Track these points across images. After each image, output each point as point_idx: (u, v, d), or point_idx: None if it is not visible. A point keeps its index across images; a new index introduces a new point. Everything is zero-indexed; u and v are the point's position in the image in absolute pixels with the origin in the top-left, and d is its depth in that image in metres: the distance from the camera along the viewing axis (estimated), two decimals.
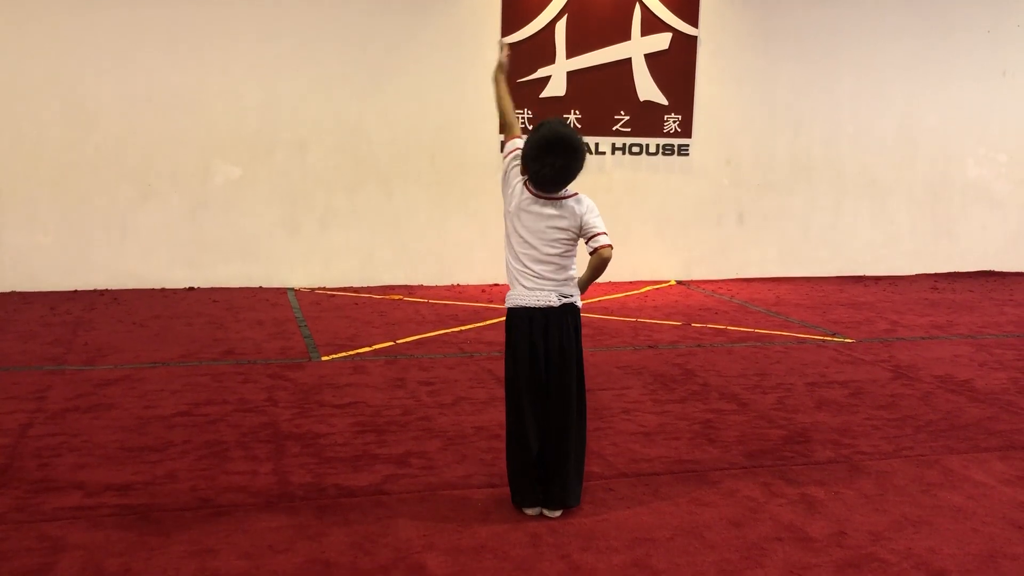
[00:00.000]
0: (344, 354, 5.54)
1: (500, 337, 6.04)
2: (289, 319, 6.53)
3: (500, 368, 5.22)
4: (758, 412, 4.54)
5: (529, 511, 3.26)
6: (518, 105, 8.08)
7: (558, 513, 3.24)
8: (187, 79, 7.43)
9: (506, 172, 3.39)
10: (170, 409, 4.35)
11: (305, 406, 4.47)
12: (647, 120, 8.39)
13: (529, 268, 3.27)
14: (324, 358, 5.43)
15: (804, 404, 4.69)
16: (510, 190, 3.34)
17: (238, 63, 7.51)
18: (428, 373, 5.15)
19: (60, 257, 7.28)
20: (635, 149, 8.44)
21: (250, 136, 7.61)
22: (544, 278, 3.26)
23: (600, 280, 8.36)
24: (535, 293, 3.26)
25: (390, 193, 8.02)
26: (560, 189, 3.26)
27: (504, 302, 3.35)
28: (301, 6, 7.58)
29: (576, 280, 3.35)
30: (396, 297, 7.49)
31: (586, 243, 3.29)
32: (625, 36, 8.22)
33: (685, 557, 2.96)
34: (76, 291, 7.22)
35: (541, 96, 8.12)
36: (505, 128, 3.53)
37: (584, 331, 6.22)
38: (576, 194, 3.32)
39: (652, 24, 8.25)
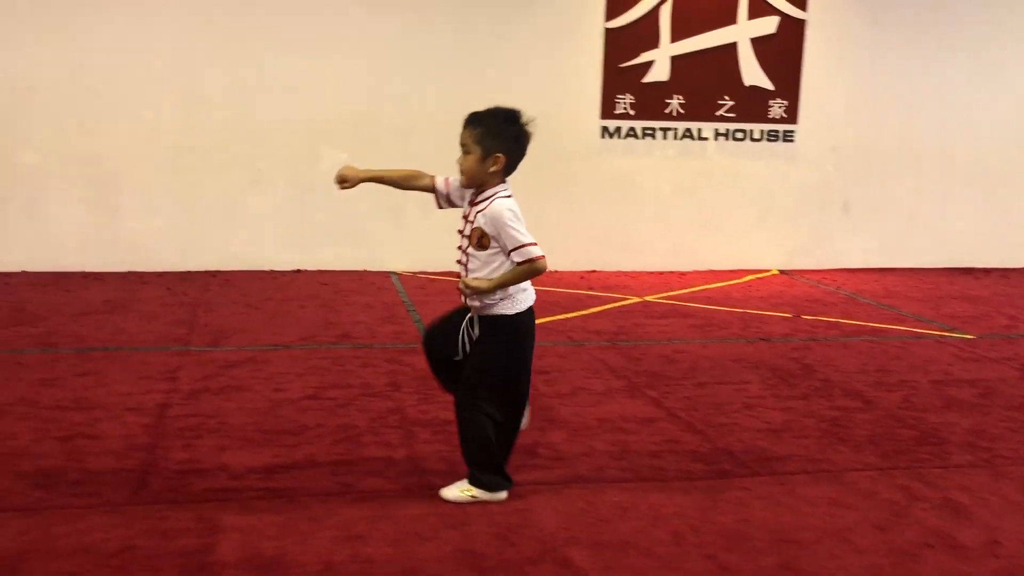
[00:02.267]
0: None
1: (608, 325, 6.06)
2: (397, 303, 6.61)
3: (613, 358, 5.23)
4: (885, 411, 4.43)
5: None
6: (620, 90, 8.01)
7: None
8: (296, 65, 7.55)
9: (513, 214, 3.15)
10: (298, 392, 4.45)
11: (427, 392, 4.52)
12: (752, 105, 8.23)
13: None
14: None
15: (932, 403, 4.57)
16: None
17: (345, 49, 7.60)
18: (541, 362, 5.15)
19: (174, 239, 7.50)
20: (738, 135, 8.29)
21: (356, 122, 7.71)
22: None
23: (700, 268, 8.35)
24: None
25: None
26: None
27: (516, 307, 3.24)
28: None
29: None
30: None
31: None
32: (731, 20, 8.06)
33: (834, 561, 2.92)
34: (189, 272, 7.43)
35: (643, 81, 8.02)
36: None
37: (692, 321, 6.24)
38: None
39: (759, 7, 8.07)
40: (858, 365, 5.23)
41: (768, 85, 8.21)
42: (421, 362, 5.01)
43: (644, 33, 7.93)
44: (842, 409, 4.44)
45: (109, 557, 2.78)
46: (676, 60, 8.03)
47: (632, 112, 8.05)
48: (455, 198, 3.34)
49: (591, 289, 7.35)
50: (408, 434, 3.93)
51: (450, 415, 4.16)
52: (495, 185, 3.19)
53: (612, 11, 7.86)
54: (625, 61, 7.94)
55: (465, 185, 3.25)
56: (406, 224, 7.94)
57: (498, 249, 3.16)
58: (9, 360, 4.83)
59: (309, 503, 3.22)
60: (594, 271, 8.15)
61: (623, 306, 6.73)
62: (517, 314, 3.24)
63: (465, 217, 3.26)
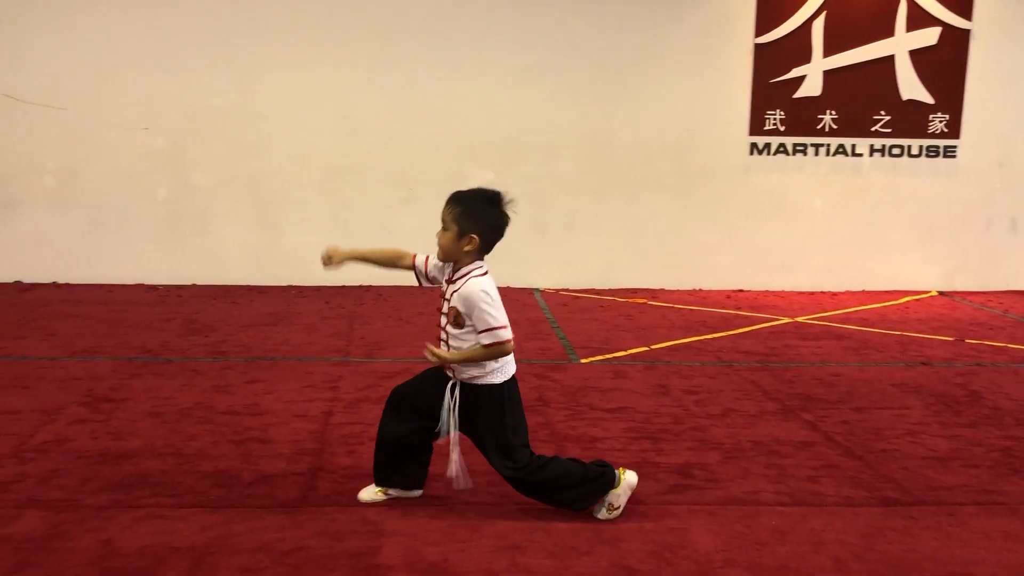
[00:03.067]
0: (602, 357, 5.61)
1: (759, 346, 5.94)
2: (541, 319, 6.69)
3: (765, 380, 5.13)
4: None
5: None
6: (770, 105, 7.87)
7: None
8: (444, 88, 7.79)
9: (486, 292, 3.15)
10: None
11: (575, 408, 4.56)
12: (910, 120, 7.91)
13: None
14: (583, 360, 5.53)
15: None
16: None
17: (492, 71, 7.79)
18: (690, 381, 5.12)
19: None
20: (895, 151, 7.98)
21: (502, 142, 7.88)
22: None
23: (853, 288, 8.06)
24: None
25: (633, 196, 8.05)
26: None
27: (499, 376, 3.21)
28: (554, 14, 7.75)
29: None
30: (641, 301, 7.50)
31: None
32: (888, 32, 7.79)
33: None
34: (344, 287, 7.76)
35: (795, 96, 7.85)
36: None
37: (846, 343, 6.04)
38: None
39: (919, 18, 7.77)
40: None
41: (928, 99, 7.88)
42: (568, 379, 5.09)
43: (795, 48, 7.77)
44: (1016, 439, 4.19)
45: (284, 555, 2.94)
46: (829, 74, 7.83)
47: (782, 128, 7.88)
48: (434, 275, 3.35)
49: (739, 308, 7.22)
50: (559, 448, 3.97)
51: (600, 432, 4.21)
52: (470, 263, 3.20)
53: (762, 27, 7.74)
54: (775, 76, 7.80)
55: (441, 259, 3.28)
56: (550, 242, 8.04)
57: (472, 327, 3.15)
58: (186, 368, 5.18)
59: (466, 511, 3.31)
60: (741, 290, 8.01)
61: (773, 326, 6.58)
62: (504, 383, 3.22)
63: (443, 296, 3.27)
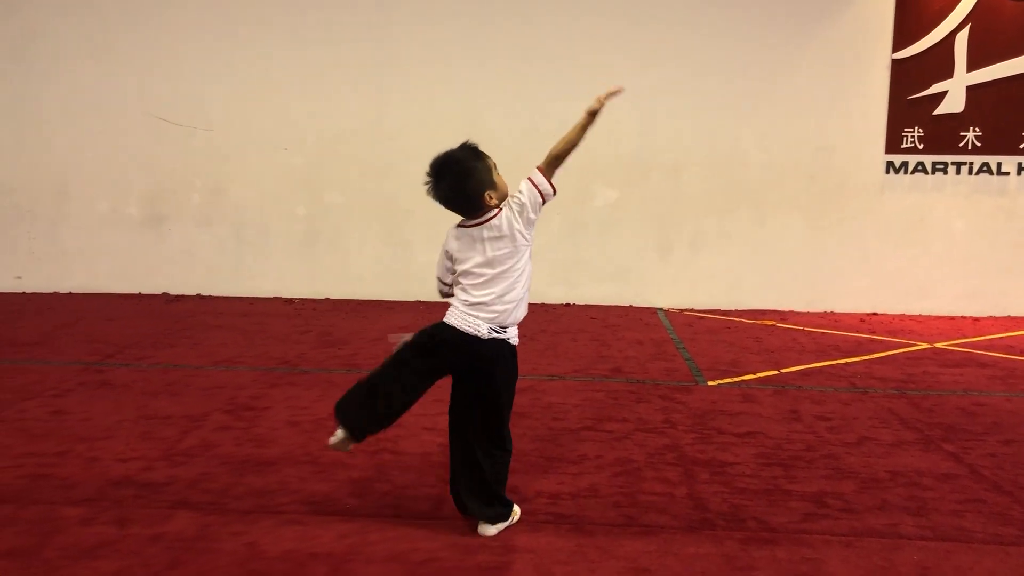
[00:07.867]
0: (729, 380, 5.52)
1: (895, 372, 5.72)
2: (666, 340, 6.63)
3: (902, 408, 4.93)
4: None
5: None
6: (909, 123, 7.59)
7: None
8: (570, 107, 7.82)
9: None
10: (576, 423, 4.59)
11: (703, 432, 4.50)
12: None
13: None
14: (710, 383, 5.45)
15: None
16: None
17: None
18: (822, 407, 4.97)
19: None
20: None
21: (628, 161, 7.88)
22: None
23: (997, 314, 7.64)
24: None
25: (762, 216, 7.89)
26: (467, 214, 3.30)
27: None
28: (682, 33, 7.72)
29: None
30: (770, 323, 7.34)
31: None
32: None
33: None
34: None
35: (935, 113, 7.55)
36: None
37: (991, 372, 5.74)
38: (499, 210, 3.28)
39: None
40: None
41: None
42: (695, 401, 5.03)
43: (936, 63, 7.48)
44: None
45: (418, 565, 3.02)
46: (972, 90, 7.49)
47: (921, 146, 7.59)
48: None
49: (873, 333, 6.96)
50: (687, 472, 3.93)
51: (729, 457, 4.13)
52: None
53: (900, 41, 7.49)
54: (914, 93, 7.53)
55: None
56: (675, 262, 7.97)
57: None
58: (322, 379, 5.39)
59: (594, 531, 3.31)
60: (875, 314, 7.73)
61: (910, 352, 6.32)
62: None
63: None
